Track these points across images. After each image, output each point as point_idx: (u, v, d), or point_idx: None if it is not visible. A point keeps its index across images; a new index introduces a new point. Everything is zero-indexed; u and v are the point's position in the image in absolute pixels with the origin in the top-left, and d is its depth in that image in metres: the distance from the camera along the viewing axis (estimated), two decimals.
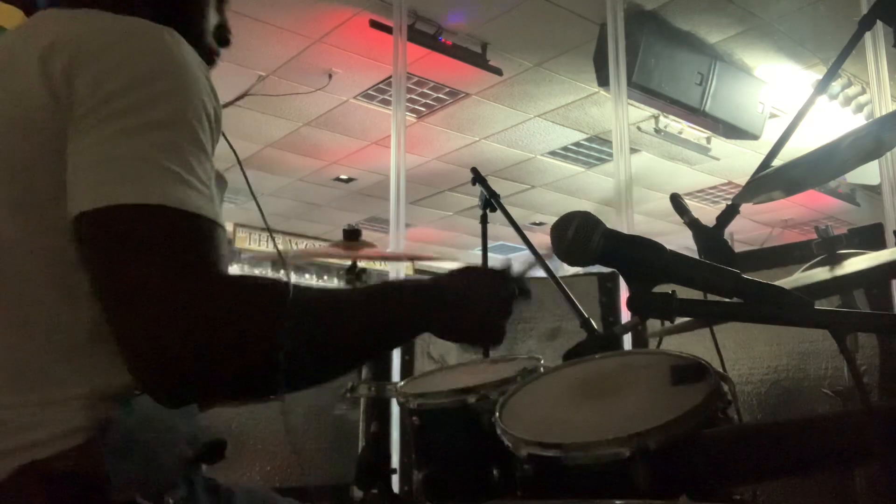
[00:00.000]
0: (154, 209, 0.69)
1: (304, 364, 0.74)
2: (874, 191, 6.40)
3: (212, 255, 0.71)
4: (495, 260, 1.66)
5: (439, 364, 3.12)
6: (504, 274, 1.05)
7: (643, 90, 4.48)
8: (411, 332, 0.92)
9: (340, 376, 0.85)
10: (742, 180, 2.81)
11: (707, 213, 1.31)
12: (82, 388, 0.77)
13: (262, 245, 8.46)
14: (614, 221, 3.94)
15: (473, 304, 0.96)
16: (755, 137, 5.30)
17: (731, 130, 5.23)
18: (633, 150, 5.80)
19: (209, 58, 1.00)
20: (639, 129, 5.94)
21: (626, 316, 2.72)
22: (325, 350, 0.77)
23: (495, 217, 2.39)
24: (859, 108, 5.18)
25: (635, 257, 0.78)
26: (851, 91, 5.13)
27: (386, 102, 5.46)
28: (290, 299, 0.72)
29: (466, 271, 1.00)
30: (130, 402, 0.79)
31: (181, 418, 0.85)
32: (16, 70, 0.79)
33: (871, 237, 2.21)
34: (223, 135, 0.86)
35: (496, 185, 2.44)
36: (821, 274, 1.47)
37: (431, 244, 9.51)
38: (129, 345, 0.68)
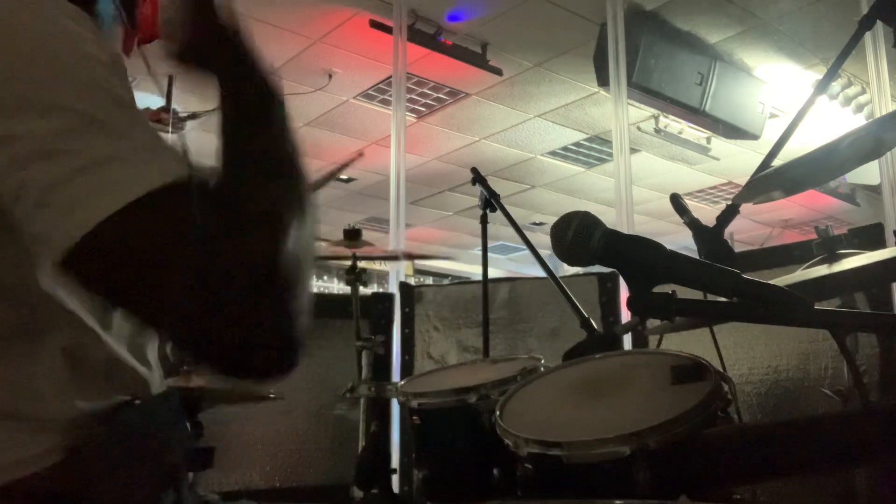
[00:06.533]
0: (135, 206, 0.65)
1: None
2: (874, 191, 6.40)
3: (189, 215, 0.67)
4: None
5: (439, 364, 3.12)
6: None
7: (643, 90, 4.48)
8: None
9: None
10: (742, 180, 2.81)
11: (707, 213, 1.31)
12: (68, 411, 0.75)
13: None
14: (614, 221, 3.94)
15: None
16: (755, 137, 5.30)
17: (731, 130, 5.23)
18: (633, 150, 5.79)
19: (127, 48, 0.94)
20: (639, 129, 5.93)
21: (626, 316, 2.72)
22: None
23: (495, 217, 2.39)
24: (859, 108, 5.18)
25: (635, 257, 0.78)
26: (851, 91, 5.13)
27: (386, 102, 5.46)
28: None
29: None
30: (112, 420, 0.78)
31: (165, 432, 0.83)
32: None
33: (871, 237, 2.21)
34: None
35: (496, 185, 2.44)
36: (821, 273, 1.47)
37: (431, 244, 9.50)
38: (178, 330, 0.67)
